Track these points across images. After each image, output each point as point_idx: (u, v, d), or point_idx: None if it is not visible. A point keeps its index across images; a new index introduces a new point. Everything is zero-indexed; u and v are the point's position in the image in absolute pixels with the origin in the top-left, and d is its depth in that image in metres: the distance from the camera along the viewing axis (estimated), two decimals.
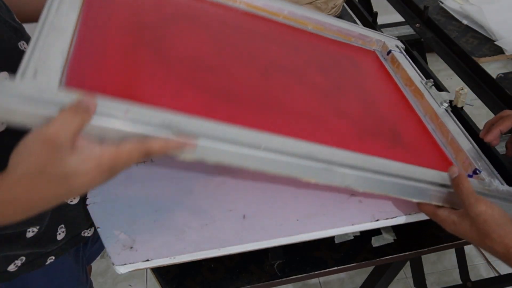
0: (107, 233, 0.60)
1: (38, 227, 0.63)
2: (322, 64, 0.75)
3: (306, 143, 0.50)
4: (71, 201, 0.66)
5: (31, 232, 0.63)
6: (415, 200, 0.55)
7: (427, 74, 0.81)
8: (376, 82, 0.78)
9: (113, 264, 0.56)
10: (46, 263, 0.67)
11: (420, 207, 0.56)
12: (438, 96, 0.73)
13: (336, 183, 0.51)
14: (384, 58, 0.85)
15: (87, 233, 0.73)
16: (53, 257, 0.68)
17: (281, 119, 0.57)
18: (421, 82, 0.77)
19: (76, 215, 0.67)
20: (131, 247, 0.58)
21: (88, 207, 0.63)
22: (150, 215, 0.61)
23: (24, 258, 0.64)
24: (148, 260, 0.56)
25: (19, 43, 0.57)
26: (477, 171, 0.61)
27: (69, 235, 0.68)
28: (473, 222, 0.50)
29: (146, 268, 0.57)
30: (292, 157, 0.49)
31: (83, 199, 0.67)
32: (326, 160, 0.50)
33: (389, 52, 0.84)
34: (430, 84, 0.75)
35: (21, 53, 0.57)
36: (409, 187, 0.54)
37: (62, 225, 0.67)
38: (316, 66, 0.73)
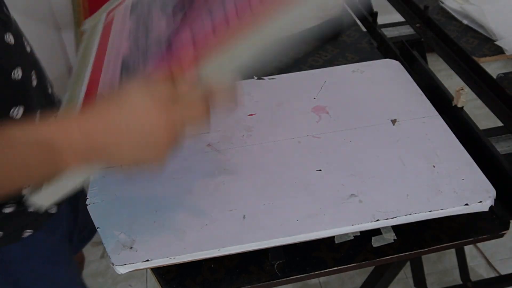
0: (107, 233, 0.60)
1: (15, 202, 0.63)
2: None
3: None
4: None
5: (9, 207, 0.63)
6: None
7: (427, 75, 0.81)
8: None
9: (112, 264, 0.56)
10: (23, 236, 0.67)
11: None
12: None
13: None
14: None
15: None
16: (32, 231, 0.68)
17: None
18: None
19: None
20: (131, 247, 0.58)
21: (88, 207, 0.63)
22: (150, 215, 0.61)
23: (1, 233, 0.65)
24: (148, 260, 0.56)
25: (4, 35, 0.57)
26: None
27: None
28: None
29: (146, 268, 0.57)
30: None
31: None
32: None
33: None
34: None
35: (6, 46, 0.57)
36: None
37: None
38: None
